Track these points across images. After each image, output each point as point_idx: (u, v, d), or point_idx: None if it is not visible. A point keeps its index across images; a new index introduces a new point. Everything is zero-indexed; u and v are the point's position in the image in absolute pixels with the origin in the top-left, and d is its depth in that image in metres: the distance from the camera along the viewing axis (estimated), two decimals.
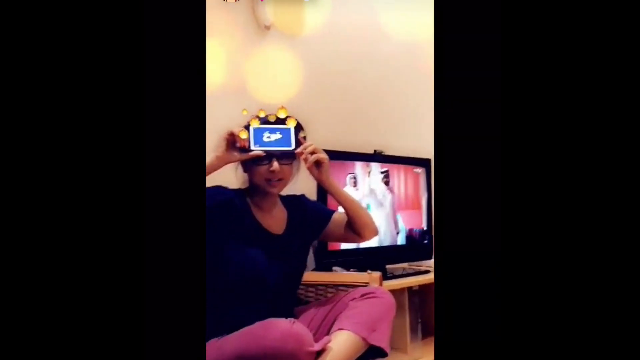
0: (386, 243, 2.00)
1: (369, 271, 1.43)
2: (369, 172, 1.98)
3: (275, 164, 1.20)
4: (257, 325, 1.07)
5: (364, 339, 1.12)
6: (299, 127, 1.21)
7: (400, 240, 2.06)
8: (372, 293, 1.21)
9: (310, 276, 1.47)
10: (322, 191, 1.52)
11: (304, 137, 1.21)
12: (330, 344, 1.09)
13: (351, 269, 1.79)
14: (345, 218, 1.34)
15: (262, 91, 1.79)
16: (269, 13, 1.87)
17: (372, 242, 1.89)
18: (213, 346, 1.12)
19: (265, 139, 1.17)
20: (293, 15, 1.97)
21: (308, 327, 1.15)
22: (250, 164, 1.23)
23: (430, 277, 1.92)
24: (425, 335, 2.05)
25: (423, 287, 1.98)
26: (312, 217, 1.37)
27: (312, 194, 1.58)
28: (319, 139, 1.30)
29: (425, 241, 2.14)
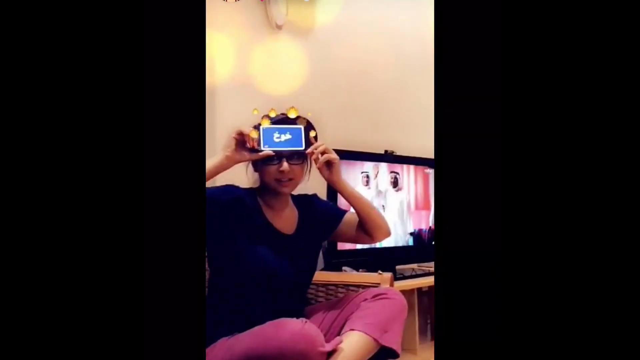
0: (395, 244, 1.99)
1: (380, 272, 1.42)
2: (377, 174, 1.97)
3: (285, 164, 1.19)
4: (268, 325, 1.06)
5: (375, 340, 1.11)
6: (309, 127, 1.20)
7: (410, 241, 2.05)
8: (384, 294, 1.21)
9: (321, 276, 1.46)
10: (333, 191, 1.51)
11: (315, 137, 1.20)
12: (341, 345, 1.08)
13: (360, 269, 1.78)
14: (357, 219, 1.33)
15: (273, 89, 1.79)
16: (282, 12, 1.87)
17: (382, 243, 1.88)
18: (223, 345, 1.11)
19: (275, 139, 1.16)
20: (305, 13, 1.96)
21: (319, 327, 1.14)
22: (260, 164, 1.22)
23: None
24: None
25: (432, 288, 1.97)
26: (324, 217, 1.37)
27: (324, 194, 1.57)
28: (330, 138, 1.29)
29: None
